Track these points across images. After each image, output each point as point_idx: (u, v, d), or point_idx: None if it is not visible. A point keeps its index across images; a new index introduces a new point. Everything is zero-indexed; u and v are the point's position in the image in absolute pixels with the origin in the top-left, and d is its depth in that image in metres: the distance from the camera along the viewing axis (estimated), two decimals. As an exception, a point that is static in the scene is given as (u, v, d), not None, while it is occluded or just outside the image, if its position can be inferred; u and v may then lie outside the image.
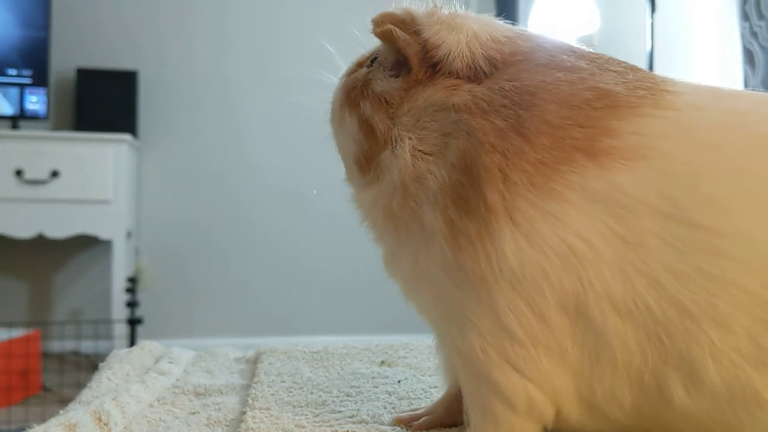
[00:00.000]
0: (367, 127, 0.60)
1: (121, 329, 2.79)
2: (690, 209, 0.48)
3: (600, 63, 0.57)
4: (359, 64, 0.67)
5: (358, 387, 0.72)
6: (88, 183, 2.88)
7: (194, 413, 0.66)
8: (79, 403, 0.63)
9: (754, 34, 2.02)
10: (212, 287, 3.37)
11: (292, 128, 3.42)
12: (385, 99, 0.60)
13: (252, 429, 0.58)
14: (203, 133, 3.38)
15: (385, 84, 0.61)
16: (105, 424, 0.56)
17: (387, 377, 0.76)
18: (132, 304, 2.79)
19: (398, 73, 0.61)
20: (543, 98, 0.53)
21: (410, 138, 0.57)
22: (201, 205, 3.38)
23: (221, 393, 0.72)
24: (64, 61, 3.14)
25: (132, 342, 2.77)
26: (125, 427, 0.60)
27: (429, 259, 0.54)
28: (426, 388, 0.72)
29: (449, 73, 0.58)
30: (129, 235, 3.06)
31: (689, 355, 0.48)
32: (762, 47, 1.99)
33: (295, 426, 0.59)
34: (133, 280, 2.99)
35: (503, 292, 0.50)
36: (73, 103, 3.11)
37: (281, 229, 3.39)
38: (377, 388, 0.72)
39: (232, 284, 3.38)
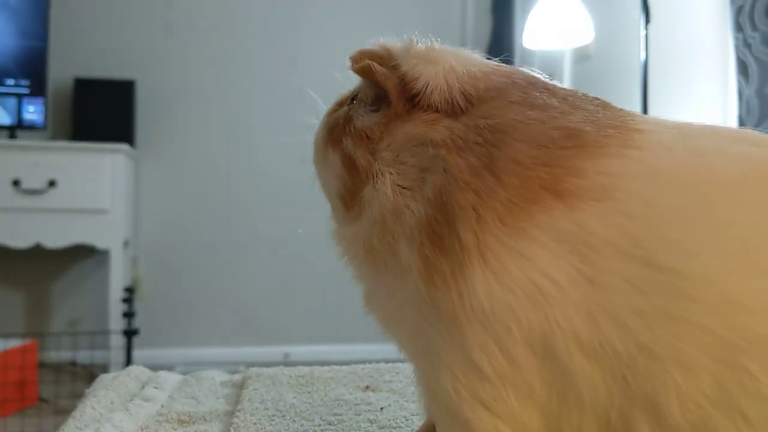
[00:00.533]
0: (349, 163, 0.61)
1: (117, 340, 2.80)
2: (654, 251, 0.48)
3: (572, 101, 0.57)
4: (340, 104, 0.68)
5: (340, 415, 0.72)
6: (85, 193, 2.89)
7: (176, 443, 0.66)
8: (68, 429, 0.63)
9: (747, 45, 2.02)
10: (209, 297, 3.38)
11: (291, 138, 3.42)
12: (366, 134, 0.60)
13: (230, 461, 0.58)
14: (200, 142, 3.39)
15: (365, 119, 0.62)
16: (85, 457, 0.57)
17: (370, 404, 0.76)
18: (128, 315, 2.80)
19: (378, 107, 0.62)
20: (514, 137, 0.53)
21: (390, 173, 0.57)
22: (198, 215, 3.38)
23: (205, 420, 0.72)
24: (62, 71, 3.15)
25: (128, 353, 2.77)
26: (106, 459, 0.60)
27: (405, 296, 0.54)
28: (408, 415, 0.73)
29: (428, 107, 0.58)
30: (126, 244, 3.06)
31: (655, 397, 0.48)
32: (756, 58, 1.99)
33: (274, 458, 0.60)
34: (130, 290, 2.99)
35: (474, 331, 0.50)
36: (70, 112, 3.12)
37: (279, 239, 3.39)
38: (359, 415, 0.72)
39: (230, 294, 3.38)
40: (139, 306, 3.09)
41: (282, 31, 3.45)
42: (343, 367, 0.90)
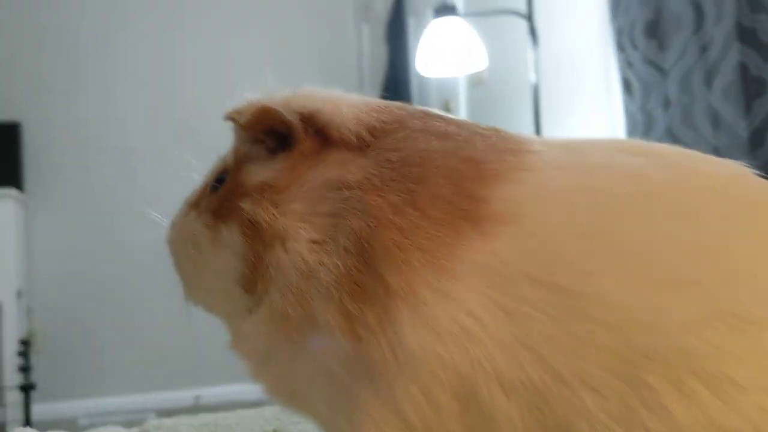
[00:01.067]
0: (250, 229, 0.56)
1: (13, 396, 2.64)
2: (557, 273, 0.48)
3: (468, 128, 0.57)
4: (193, 204, 0.64)
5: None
6: (-30, 242, 2.73)
7: None
8: None
9: (629, 64, 2.11)
10: (112, 344, 3.24)
11: (185, 177, 3.34)
12: (268, 184, 0.57)
13: None
14: (93, 185, 3.27)
15: (263, 171, 0.58)
16: None
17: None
18: (25, 369, 2.65)
19: (275, 156, 0.58)
20: (429, 170, 0.52)
21: (303, 228, 0.53)
22: (94, 260, 3.25)
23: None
24: (-59, 114, 2.99)
25: (26, 409, 2.62)
26: None
27: (326, 358, 0.52)
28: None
29: (339, 144, 0.56)
30: (19, 294, 2.90)
31: (567, 424, 0.48)
32: (637, 76, 2.09)
33: None
34: (25, 343, 2.83)
35: (403, 382, 0.49)
36: (-49, 158, 2.95)
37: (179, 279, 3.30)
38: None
39: (133, 340, 3.26)
40: (36, 359, 2.92)
41: (167, 65, 3.38)
42: (249, 411, 0.87)
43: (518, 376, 0.48)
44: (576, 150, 0.57)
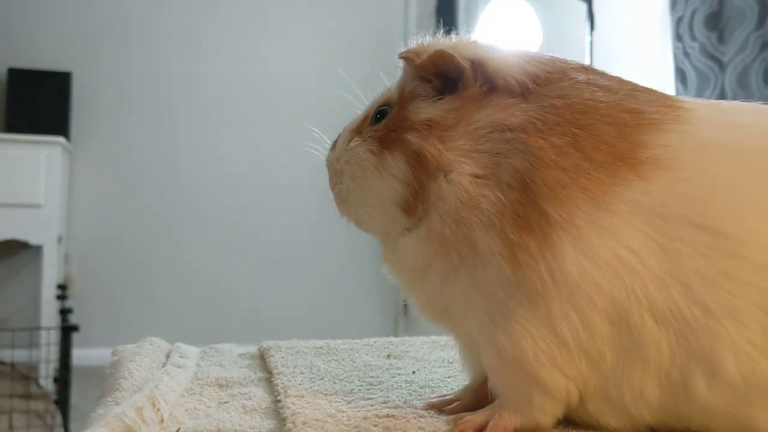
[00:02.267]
0: (415, 160, 0.61)
1: (48, 338, 2.69)
2: (711, 216, 0.54)
3: (627, 83, 0.63)
4: (356, 130, 0.68)
5: (377, 377, 0.74)
6: (19, 187, 2.79)
7: (225, 403, 0.67)
8: (124, 390, 0.63)
9: (686, 54, 2.15)
10: (147, 292, 3.31)
11: (228, 131, 3.40)
12: (435, 121, 0.62)
13: (298, 414, 0.60)
14: (137, 136, 3.32)
15: (431, 109, 0.63)
16: (158, 410, 0.57)
17: (400, 368, 0.79)
18: (65, 312, 2.71)
19: (442, 97, 0.63)
20: (595, 118, 0.58)
21: (466, 163, 0.59)
22: (134, 210, 3.31)
23: (242, 384, 0.73)
24: (-5, 60, 3.04)
25: (66, 350, 2.68)
26: (170, 414, 0.60)
27: (485, 278, 0.57)
28: (441, 378, 0.75)
29: (503, 90, 0.61)
30: (60, 239, 2.97)
31: (711, 352, 0.53)
32: (694, 67, 2.12)
33: (337, 411, 0.61)
34: (63, 287, 2.90)
35: (560, 303, 0.55)
36: (4, 104, 3.01)
37: (215, 234, 3.36)
38: (395, 377, 0.75)
39: (168, 289, 3.32)
40: (73, 302, 2.99)
41: (224, 28, 3.42)
42: (356, 340, 0.92)
43: (669, 306, 0.54)
44: (724, 109, 0.63)
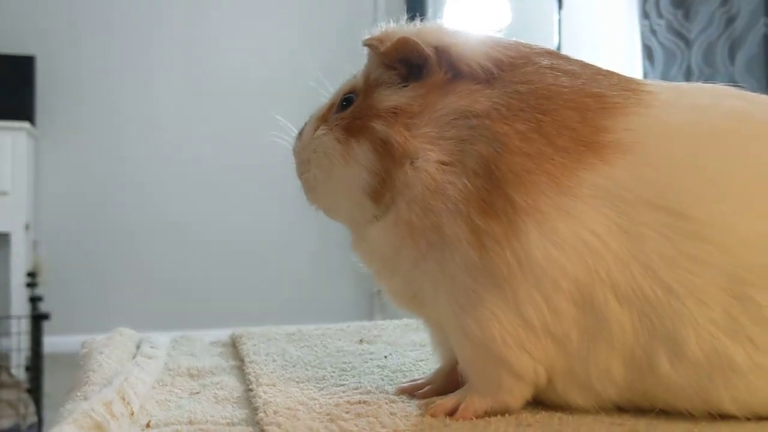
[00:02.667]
0: (382, 147, 0.61)
1: (17, 326, 2.66)
2: (674, 199, 0.55)
3: (590, 67, 0.63)
4: (321, 118, 0.68)
5: (349, 362, 0.75)
6: (-17, 173, 2.74)
7: (196, 393, 0.67)
8: (93, 384, 0.62)
9: (653, 32, 2.16)
10: (117, 278, 3.28)
11: (200, 112, 3.37)
12: (401, 109, 0.62)
13: (270, 402, 0.60)
14: (103, 121, 3.27)
15: (396, 97, 0.63)
16: (128, 403, 0.57)
17: (372, 353, 0.79)
18: (35, 299, 2.68)
19: (407, 84, 0.63)
20: (558, 103, 0.58)
21: (432, 150, 0.59)
22: (102, 195, 3.27)
23: (213, 374, 0.73)
24: (-45, 44, 2.97)
25: (37, 338, 2.65)
26: (141, 407, 0.60)
27: (452, 264, 0.58)
28: (413, 361, 0.76)
29: (467, 76, 0.61)
30: (27, 227, 2.93)
31: (674, 330, 0.55)
32: (661, 44, 2.13)
33: (308, 399, 0.62)
34: (32, 275, 2.86)
35: (526, 287, 0.56)
36: (-35, 88, 2.94)
37: (188, 217, 3.33)
38: (367, 363, 0.75)
39: (139, 275, 3.30)
40: (42, 290, 2.96)
41: (192, 12, 3.38)
42: (329, 326, 0.93)
43: (631, 287, 0.55)
44: (686, 92, 0.64)
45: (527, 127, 0.57)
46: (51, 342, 2.85)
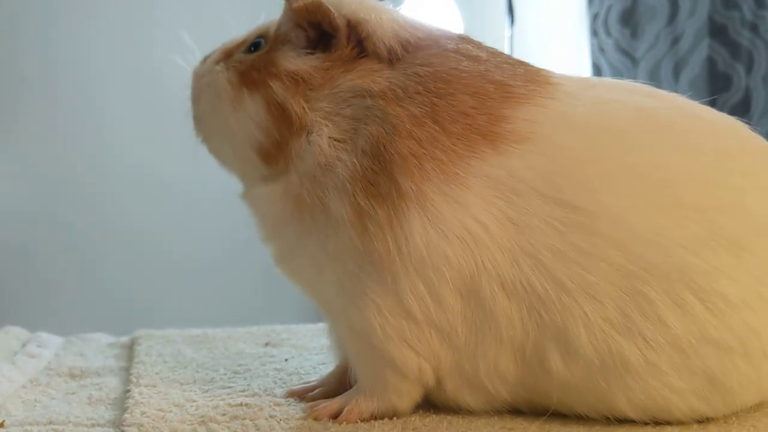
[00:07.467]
0: (278, 111, 0.59)
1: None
2: (567, 191, 0.53)
3: (498, 55, 0.61)
4: (227, 52, 0.65)
5: (245, 365, 0.71)
6: None
7: (72, 393, 0.62)
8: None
9: (602, 50, 2.17)
10: (64, 284, 3.19)
11: (150, 111, 3.30)
12: (302, 77, 0.59)
13: (141, 403, 0.56)
14: (47, 117, 3.18)
15: (299, 62, 0.60)
16: (-21, 401, 0.53)
17: (273, 356, 0.76)
18: (-31, 307, 2.58)
19: (313, 51, 0.60)
20: (455, 87, 0.56)
21: (327, 125, 0.57)
22: (47, 197, 3.18)
23: (99, 375, 0.69)
24: None
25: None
26: (2, 406, 0.56)
27: (336, 246, 0.55)
28: (314, 365, 0.73)
29: (372, 54, 0.59)
30: (-34, 233, 2.83)
31: (564, 327, 0.52)
32: (609, 62, 2.15)
33: (186, 400, 0.58)
34: (-31, 282, 2.77)
35: (407, 275, 0.53)
36: None
37: (138, 220, 3.26)
38: (265, 365, 0.71)
39: (87, 280, 3.21)
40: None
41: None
42: (237, 328, 0.89)
43: (519, 280, 0.52)
44: (593, 85, 0.62)
45: (421, 111, 0.55)
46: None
